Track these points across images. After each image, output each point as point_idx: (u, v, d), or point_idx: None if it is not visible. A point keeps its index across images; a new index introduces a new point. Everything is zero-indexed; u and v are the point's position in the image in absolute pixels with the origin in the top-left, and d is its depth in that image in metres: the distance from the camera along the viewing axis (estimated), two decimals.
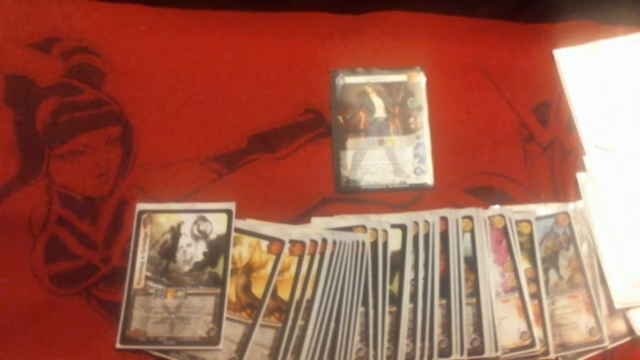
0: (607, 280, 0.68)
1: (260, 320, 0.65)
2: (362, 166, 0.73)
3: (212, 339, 0.65)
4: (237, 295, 0.66)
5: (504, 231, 0.70)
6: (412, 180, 0.73)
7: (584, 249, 0.70)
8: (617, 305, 0.67)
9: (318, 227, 0.69)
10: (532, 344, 0.66)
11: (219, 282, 0.67)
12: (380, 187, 0.73)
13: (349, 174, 0.73)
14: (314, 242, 0.68)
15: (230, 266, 0.67)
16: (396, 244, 0.69)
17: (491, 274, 0.68)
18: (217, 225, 0.69)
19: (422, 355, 0.65)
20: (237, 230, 0.69)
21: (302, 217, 0.71)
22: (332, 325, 0.65)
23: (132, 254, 0.68)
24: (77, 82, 0.75)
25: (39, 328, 0.65)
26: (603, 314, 0.68)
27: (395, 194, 0.73)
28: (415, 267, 0.68)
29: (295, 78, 0.77)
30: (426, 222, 0.69)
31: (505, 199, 0.73)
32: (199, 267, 0.67)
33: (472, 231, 0.69)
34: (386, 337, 0.65)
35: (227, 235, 0.68)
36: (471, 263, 0.68)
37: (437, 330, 0.66)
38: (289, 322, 0.65)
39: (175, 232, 0.69)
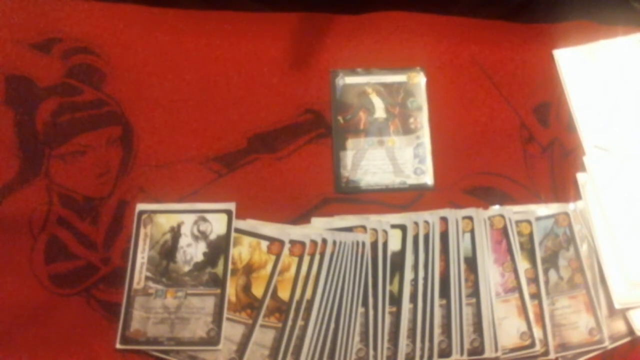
0: (607, 281, 0.68)
1: (260, 321, 0.65)
2: (362, 166, 0.73)
3: (212, 339, 0.65)
4: (237, 295, 0.66)
5: (504, 231, 0.70)
6: (412, 180, 0.73)
7: (583, 249, 0.70)
8: (616, 306, 0.67)
9: (318, 227, 0.69)
10: (532, 344, 0.66)
11: (219, 283, 0.67)
12: (380, 188, 0.73)
13: (349, 174, 0.73)
14: (314, 243, 0.68)
15: (230, 266, 0.67)
16: (396, 244, 0.69)
17: (491, 274, 0.68)
18: (217, 225, 0.69)
19: (422, 356, 0.65)
20: (237, 230, 0.69)
21: (302, 217, 0.70)
22: (332, 325, 0.65)
23: (132, 254, 0.68)
24: (77, 82, 0.75)
25: (39, 328, 0.65)
26: (603, 314, 0.68)
27: (395, 194, 0.73)
28: (415, 267, 0.68)
29: (295, 78, 0.77)
30: (426, 222, 0.69)
31: (505, 199, 0.72)
32: (199, 267, 0.67)
33: (472, 231, 0.69)
34: (386, 337, 0.65)
35: (227, 235, 0.68)
36: (471, 263, 0.68)
37: (437, 330, 0.66)
38: (289, 323, 0.65)
39: (175, 233, 0.69)
